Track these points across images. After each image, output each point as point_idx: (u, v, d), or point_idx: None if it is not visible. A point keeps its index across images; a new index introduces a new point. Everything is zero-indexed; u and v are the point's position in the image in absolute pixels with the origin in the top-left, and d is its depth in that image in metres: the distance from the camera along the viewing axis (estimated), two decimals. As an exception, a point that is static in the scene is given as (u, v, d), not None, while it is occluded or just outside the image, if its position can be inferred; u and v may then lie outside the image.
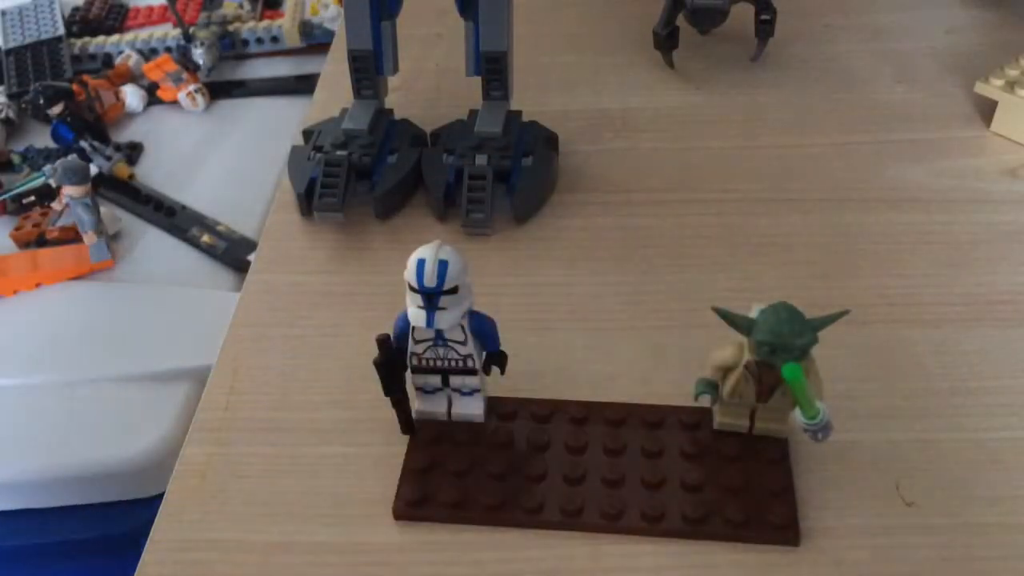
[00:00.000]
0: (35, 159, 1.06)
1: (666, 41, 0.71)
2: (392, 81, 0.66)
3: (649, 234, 0.58)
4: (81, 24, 1.29)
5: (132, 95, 1.14)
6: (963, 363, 0.49)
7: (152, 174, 1.06)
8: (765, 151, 0.64)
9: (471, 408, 0.46)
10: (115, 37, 1.25)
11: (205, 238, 0.95)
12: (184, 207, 1.00)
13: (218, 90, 1.18)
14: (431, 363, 0.44)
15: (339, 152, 0.60)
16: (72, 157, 0.94)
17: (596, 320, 0.53)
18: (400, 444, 0.45)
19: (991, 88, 0.64)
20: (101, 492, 0.76)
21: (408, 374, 0.44)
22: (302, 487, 0.45)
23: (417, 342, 0.43)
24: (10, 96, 1.14)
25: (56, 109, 1.07)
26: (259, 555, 0.42)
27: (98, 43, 1.24)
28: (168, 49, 1.21)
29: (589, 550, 0.42)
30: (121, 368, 0.81)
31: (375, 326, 0.43)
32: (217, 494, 0.45)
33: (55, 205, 0.97)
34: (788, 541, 0.41)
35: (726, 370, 0.42)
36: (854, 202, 0.60)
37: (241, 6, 1.30)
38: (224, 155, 1.08)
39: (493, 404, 0.47)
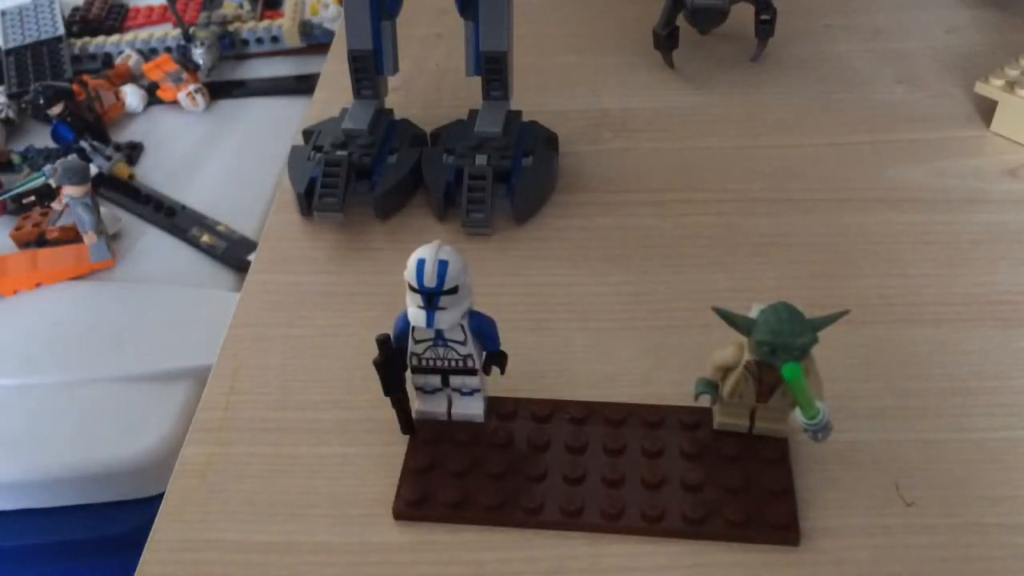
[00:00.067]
0: (35, 159, 1.06)
1: (666, 41, 0.71)
2: (392, 81, 0.66)
3: (649, 234, 0.58)
4: (81, 24, 1.29)
5: (132, 95, 1.14)
6: (963, 363, 0.49)
7: (152, 174, 1.06)
8: (765, 151, 0.64)
9: (471, 408, 0.46)
10: (115, 37, 1.25)
11: (205, 238, 0.95)
12: (184, 207, 1.00)
13: (218, 90, 1.18)
14: (431, 363, 0.44)
15: (339, 152, 0.60)
16: (72, 157, 0.94)
17: (596, 320, 0.53)
18: (400, 444, 0.45)
19: (991, 88, 0.64)
20: (101, 492, 0.76)
21: (408, 374, 0.44)
22: (302, 487, 0.45)
23: (417, 342, 0.43)
24: (10, 96, 1.14)
25: (56, 109, 1.07)
26: (259, 555, 0.42)
27: (98, 43, 1.24)
28: (168, 49, 1.21)
29: (589, 550, 0.41)
30: (121, 368, 0.81)
31: (375, 326, 0.43)
32: (217, 494, 0.45)
33: (55, 205, 0.97)
34: (788, 541, 0.41)
35: (726, 370, 0.42)
36: (854, 202, 0.60)
37: (241, 6, 1.30)
38: (224, 155, 1.08)
39: (493, 404, 0.47)
